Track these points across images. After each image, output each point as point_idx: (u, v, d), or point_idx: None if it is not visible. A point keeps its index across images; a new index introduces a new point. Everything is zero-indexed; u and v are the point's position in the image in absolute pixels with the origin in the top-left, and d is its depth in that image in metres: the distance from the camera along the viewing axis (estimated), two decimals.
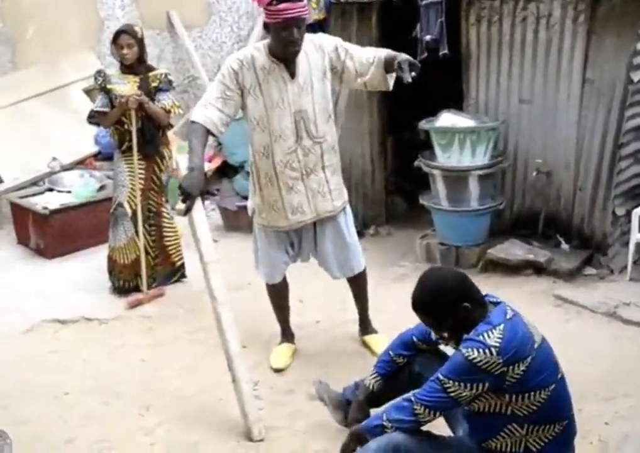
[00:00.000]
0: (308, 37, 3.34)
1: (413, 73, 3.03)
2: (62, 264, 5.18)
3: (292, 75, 3.28)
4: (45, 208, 5.27)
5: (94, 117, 6.50)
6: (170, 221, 4.66)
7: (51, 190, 5.74)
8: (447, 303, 2.38)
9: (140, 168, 4.43)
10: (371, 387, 2.79)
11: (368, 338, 3.79)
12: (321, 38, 3.43)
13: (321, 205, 3.45)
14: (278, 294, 3.72)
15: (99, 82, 4.44)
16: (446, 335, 2.47)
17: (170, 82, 4.50)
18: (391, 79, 3.33)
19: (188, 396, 3.43)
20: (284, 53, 3.24)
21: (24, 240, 5.54)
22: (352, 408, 2.83)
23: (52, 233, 5.26)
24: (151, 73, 4.45)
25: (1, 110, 6.24)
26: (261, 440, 3.04)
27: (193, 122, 3.23)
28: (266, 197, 3.45)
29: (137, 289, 4.58)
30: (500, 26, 4.66)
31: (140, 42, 4.39)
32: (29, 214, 5.38)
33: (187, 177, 3.06)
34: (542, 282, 4.51)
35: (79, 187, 5.63)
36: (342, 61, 3.32)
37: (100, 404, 3.40)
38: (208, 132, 3.24)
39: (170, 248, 4.65)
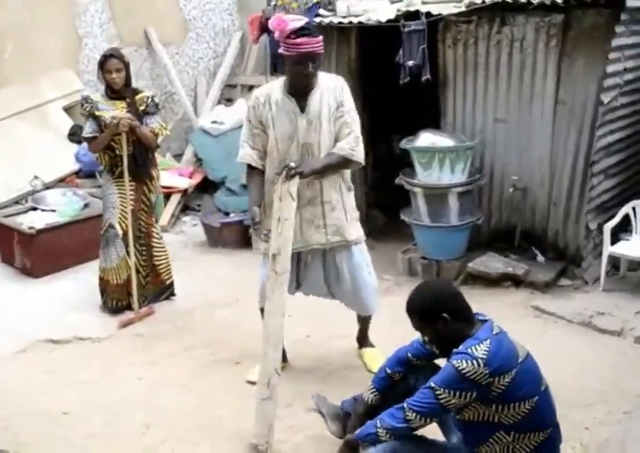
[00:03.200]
0: (329, 76, 3.50)
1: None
2: (50, 283, 5.21)
3: (302, 109, 3.42)
4: (31, 228, 5.29)
5: (75, 135, 6.56)
6: (159, 240, 4.73)
7: (34, 209, 5.75)
8: (428, 310, 2.60)
9: (130, 190, 4.49)
10: (369, 401, 2.94)
11: (363, 352, 3.95)
12: (336, 80, 3.52)
13: (313, 236, 3.57)
14: None
15: (87, 109, 4.45)
16: (427, 339, 2.68)
17: (156, 105, 4.58)
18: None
19: (187, 413, 3.52)
20: (297, 86, 3.38)
21: (8, 259, 5.54)
22: (352, 421, 2.97)
23: (38, 252, 5.29)
24: (137, 97, 4.50)
25: None
26: None
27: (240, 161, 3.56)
28: (265, 226, 3.55)
29: (129, 307, 4.65)
30: (475, 48, 4.86)
31: (127, 66, 4.46)
32: (15, 234, 5.39)
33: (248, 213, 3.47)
34: (520, 293, 4.71)
35: (63, 206, 5.66)
36: (335, 119, 3.46)
37: (101, 423, 3.48)
38: (252, 166, 3.53)
39: (159, 267, 4.73)
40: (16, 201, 6.00)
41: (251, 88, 7.26)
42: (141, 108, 4.48)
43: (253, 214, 3.40)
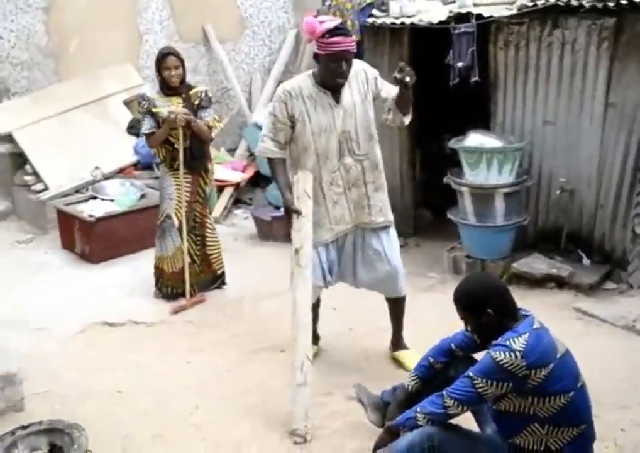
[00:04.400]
0: None
1: (407, 79, 3.36)
2: (107, 269, 5.47)
3: (337, 100, 3.58)
4: (91, 216, 5.56)
5: (133, 128, 6.81)
6: (212, 231, 4.92)
7: (94, 198, 6.03)
8: (474, 304, 2.71)
9: (187, 182, 4.67)
10: (410, 388, 3.06)
11: (400, 354, 3.98)
12: (363, 64, 3.71)
13: (360, 216, 3.74)
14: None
15: (145, 106, 4.60)
16: (469, 329, 2.78)
17: (210, 99, 4.73)
18: (406, 118, 3.64)
19: (233, 396, 3.70)
20: (331, 83, 3.53)
21: (69, 245, 5.83)
22: (391, 407, 3.10)
23: (97, 239, 5.55)
24: (191, 92, 4.65)
25: (46, 120, 6.56)
26: (306, 440, 3.31)
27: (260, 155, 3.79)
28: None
29: (183, 295, 4.83)
30: (526, 50, 4.89)
31: (183, 62, 4.60)
32: (76, 221, 5.66)
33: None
34: (564, 295, 4.74)
35: (122, 196, 5.93)
36: (379, 91, 3.63)
37: (152, 402, 3.68)
38: (274, 159, 3.68)
39: (212, 256, 4.92)
40: (77, 190, 6.29)
41: None
42: (196, 103, 4.64)
43: (288, 201, 3.56)
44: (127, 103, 7.04)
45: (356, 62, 3.68)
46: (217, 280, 5.00)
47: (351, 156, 3.64)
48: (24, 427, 2.84)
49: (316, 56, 3.51)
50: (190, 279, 4.76)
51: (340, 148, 3.61)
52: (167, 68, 4.52)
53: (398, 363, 3.96)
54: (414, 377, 3.06)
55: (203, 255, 4.88)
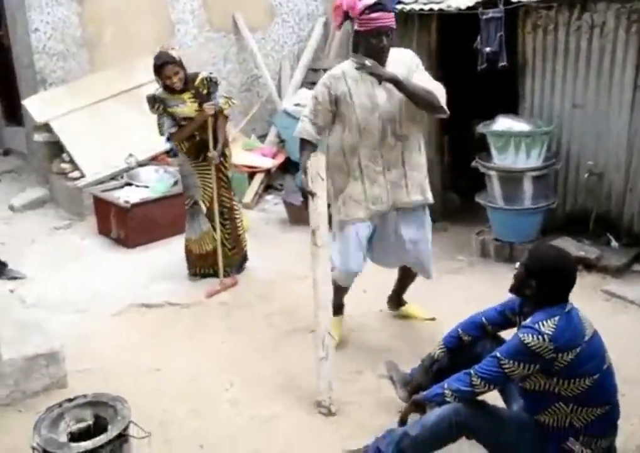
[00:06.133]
0: (397, 50, 3.70)
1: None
2: (142, 253, 5.63)
3: (379, 80, 3.62)
4: (127, 202, 5.72)
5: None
6: (238, 212, 5.06)
7: (129, 184, 6.19)
8: (542, 274, 2.70)
9: (209, 170, 4.79)
10: (436, 356, 3.16)
11: (407, 308, 4.34)
12: (407, 52, 3.78)
13: (398, 196, 3.80)
14: (342, 292, 4.04)
15: (158, 108, 4.66)
16: (516, 289, 2.81)
17: (215, 83, 4.72)
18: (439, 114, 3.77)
19: (266, 373, 3.83)
20: (374, 59, 3.56)
21: (105, 231, 5.99)
22: (416, 370, 3.22)
23: (133, 225, 5.71)
24: (196, 83, 4.66)
25: (81, 109, 6.71)
26: (334, 414, 3.43)
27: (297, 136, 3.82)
28: (348, 193, 3.78)
29: (211, 275, 5.00)
30: (555, 34, 4.90)
31: (181, 64, 4.56)
32: (112, 207, 5.83)
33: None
34: (592, 277, 4.77)
35: (156, 182, 6.07)
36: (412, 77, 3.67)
37: (189, 379, 3.83)
38: (306, 141, 3.76)
39: (240, 236, 5.06)
40: (113, 177, 6.44)
41: None
42: (205, 92, 4.68)
43: (303, 182, 3.51)
44: None
45: (402, 50, 3.77)
46: (245, 259, 5.14)
47: (394, 136, 3.70)
48: (70, 400, 2.97)
49: (357, 34, 3.57)
50: (223, 261, 4.90)
51: (383, 128, 3.66)
52: (167, 77, 4.51)
53: (409, 317, 4.32)
54: (442, 346, 3.16)
55: (235, 236, 5.00)
